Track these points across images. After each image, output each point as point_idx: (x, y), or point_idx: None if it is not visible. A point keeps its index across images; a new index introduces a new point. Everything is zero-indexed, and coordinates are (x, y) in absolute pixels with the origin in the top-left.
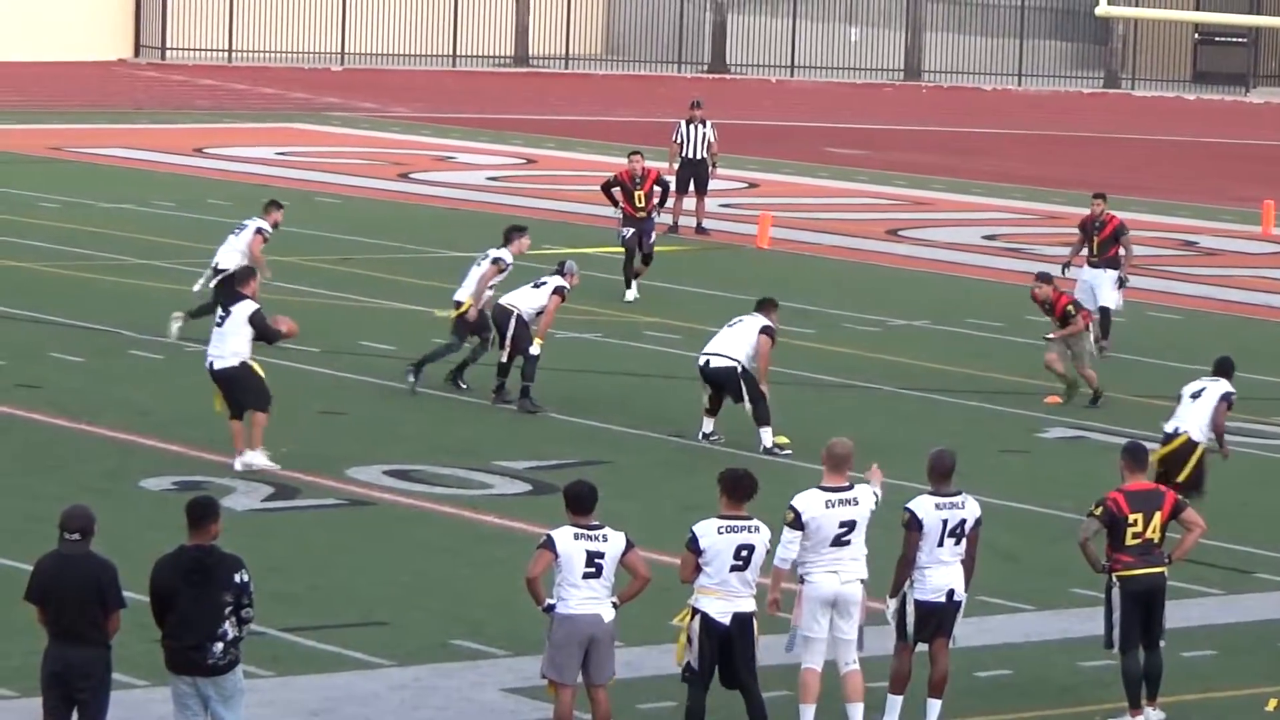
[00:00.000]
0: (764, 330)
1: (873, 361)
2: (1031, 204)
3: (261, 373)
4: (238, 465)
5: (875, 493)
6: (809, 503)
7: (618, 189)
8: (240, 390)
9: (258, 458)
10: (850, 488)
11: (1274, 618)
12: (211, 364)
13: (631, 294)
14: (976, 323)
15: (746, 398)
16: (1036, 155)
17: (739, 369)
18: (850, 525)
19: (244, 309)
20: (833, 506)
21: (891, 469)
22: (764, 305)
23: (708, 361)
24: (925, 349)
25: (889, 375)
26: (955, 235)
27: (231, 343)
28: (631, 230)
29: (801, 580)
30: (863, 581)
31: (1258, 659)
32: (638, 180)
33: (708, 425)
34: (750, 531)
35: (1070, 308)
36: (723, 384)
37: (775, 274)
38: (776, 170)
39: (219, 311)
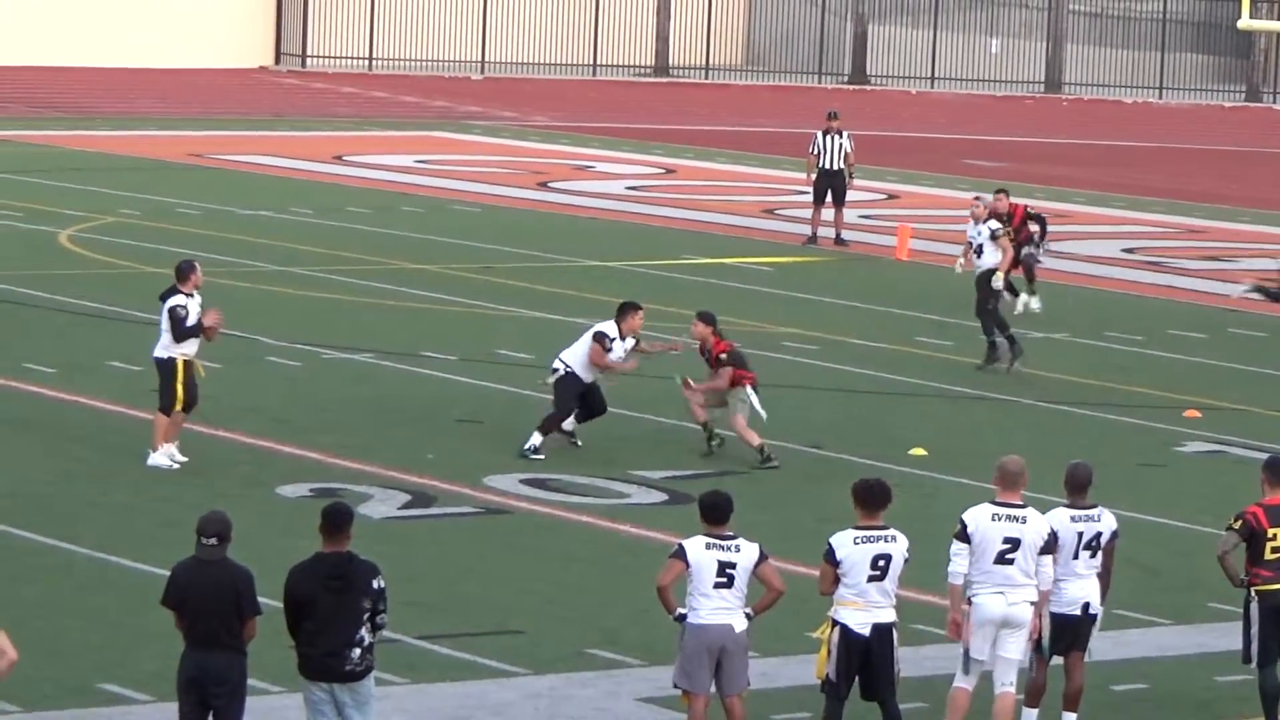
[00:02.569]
0: (595, 336)
1: (1011, 374)
2: (1171, 217)
3: (185, 374)
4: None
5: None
6: (976, 516)
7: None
8: (160, 384)
9: (159, 457)
10: (1022, 506)
11: None
12: (155, 357)
13: (1033, 302)
14: (1116, 335)
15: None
16: (1177, 169)
17: (562, 373)
18: (1014, 544)
19: (168, 303)
20: (998, 521)
21: (1031, 482)
22: (621, 310)
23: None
24: (1064, 362)
25: (1027, 388)
26: (1095, 248)
27: (163, 337)
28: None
29: (969, 601)
30: (1032, 603)
31: None
32: (1005, 219)
33: (567, 424)
34: (887, 541)
35: (724, 356)
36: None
37: (914, 286)
38: (916, 182)
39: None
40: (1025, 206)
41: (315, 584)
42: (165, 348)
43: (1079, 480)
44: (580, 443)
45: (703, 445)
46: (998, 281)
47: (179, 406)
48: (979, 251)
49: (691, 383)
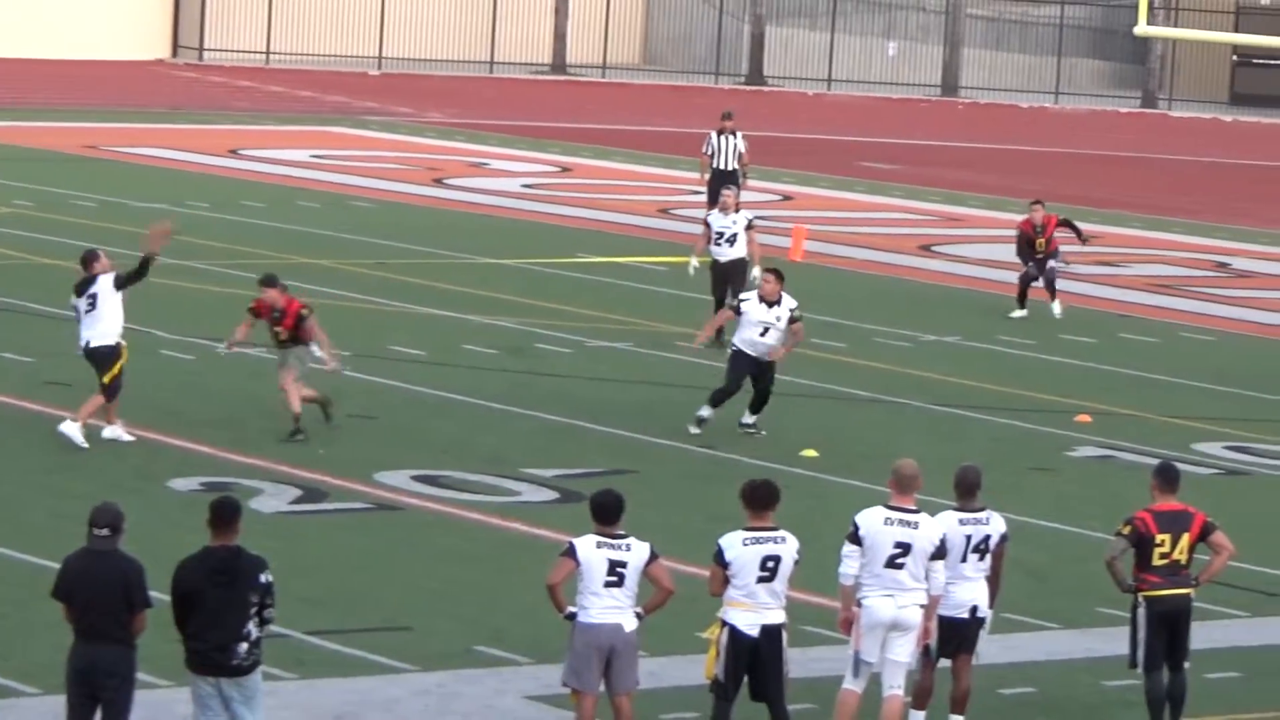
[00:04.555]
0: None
1: (903, 377)
2: None
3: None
4: (107, 434)
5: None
6: (869, 519)
7: (1025, 244)
8: (107, 369)
9: (117, 430)
10: (915, 511)
11: None
12: (89, 343)
13: (1055, 308)
14: (1008, 339)
15: None
16: (1072, 174)
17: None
18: (906, 548)
19: (108, 281)
20: (891, 525)
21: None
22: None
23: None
24: (956, 365)
25: (919, 391)
26: (989, 252)
27: (109, 322)
28: (1032, 264)
29: (858, 604)
30: (921, 607)
31: None
32: (1039, 229)
33: (746, 418)
34: (776, 542)
35: (304, 312)
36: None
37: (807, 287)
38: (811, 184)
39: (84, 301)
40: (1057, 217)
41: (202, 578)
42: (115, 334)
43: (968, 483)
44: (763, 432)
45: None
46: (755, 274)
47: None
48: (731, 241)
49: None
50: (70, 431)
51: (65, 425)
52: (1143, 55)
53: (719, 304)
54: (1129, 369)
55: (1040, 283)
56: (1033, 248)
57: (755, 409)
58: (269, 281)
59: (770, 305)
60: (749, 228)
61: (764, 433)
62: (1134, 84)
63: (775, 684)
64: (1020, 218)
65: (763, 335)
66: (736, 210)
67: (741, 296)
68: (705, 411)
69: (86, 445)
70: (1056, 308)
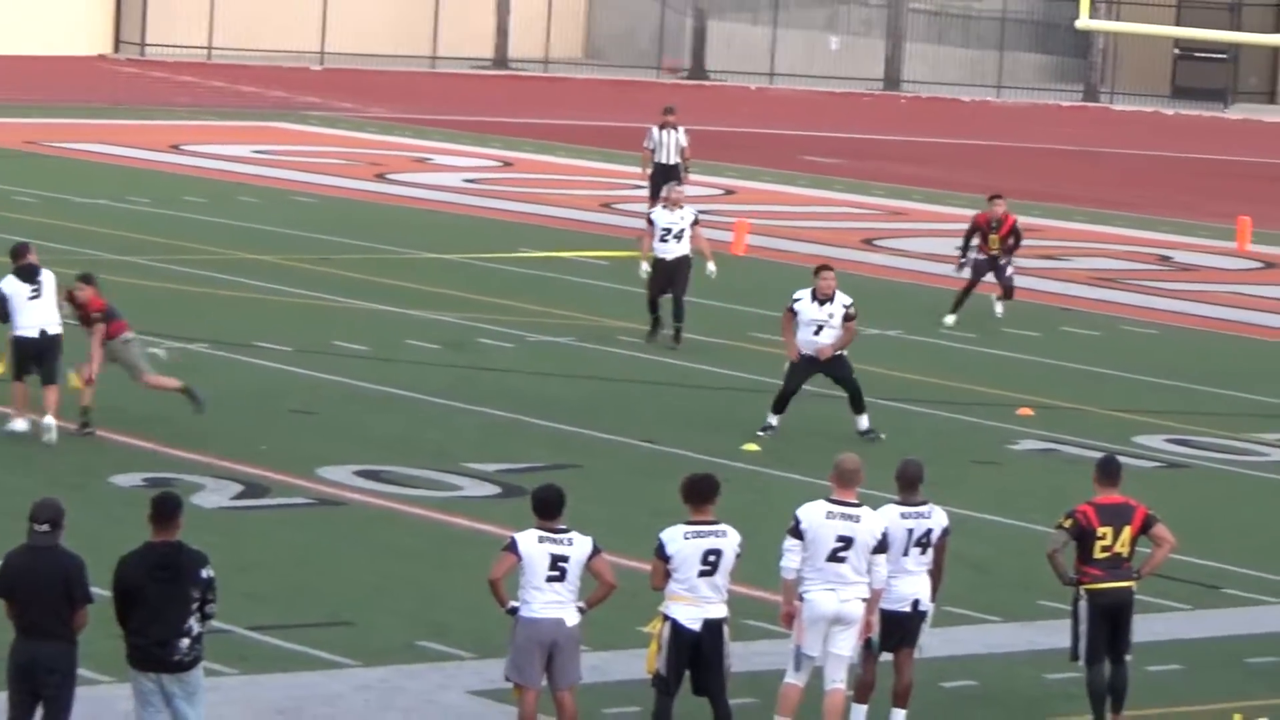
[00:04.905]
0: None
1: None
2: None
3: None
4: (21, 426)
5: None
6: (811, 513)
7: (976, 235)
8: (54, 358)
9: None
10: (857, 505)
11: (1240, 634)
12: (44, 330)
13: (998, 306)
14: (950, 333)
15: None
16: (1015, 168)
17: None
18: (848, 542)
19: (49, 273)
20: (833, 518)
21: (863, 479)
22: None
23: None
24: (898, 359)
25: (862, 385)
26: (931, 246)
27: (53, 311)
28: (969, 270)
29: (800, 598)
30: (864, 600)
31: (1223, 675)
32: (995, 224)
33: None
34: (718, 536)
35: (97, 314)
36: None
37: (750, 281)
38: (754, 178)
39: (30, 287)
40: (1015, 218)
41: (143, 573)
42: (57, 324)
43: (910, 477)
44: (882, 435)
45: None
46: (711, 268)
47: (12, 375)
48: (678, 237)
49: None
50: (41, 427)
51: (45, 420)
52: (1084, 49)
53: (654, 302)
54: (1071, 362)
55: (992, 278)
56: (984, 241)
57: (857, 409)
58: (86, 279)
59: (823, 303)
60: (695, 223)
61: (883, 435)
62: (1076, 77)
63: (717, 678)
64: (971, 212)
65: (816, 334)
66: (681, 206)
67: (795, 296)
68: (773, 420)
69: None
70: (999, 307)
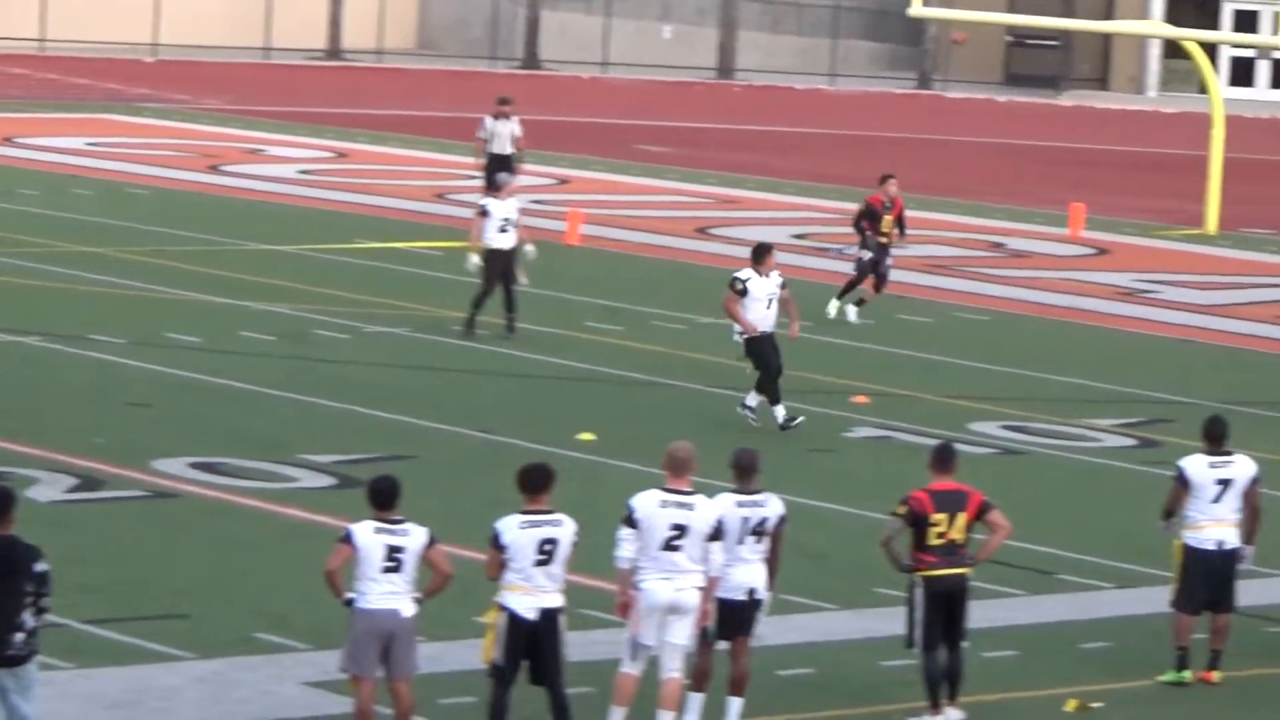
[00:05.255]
0: (728, 284)
1: (680, 359)
2: (842, 204)
3: None
4: None
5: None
6: (644, 502)
7: (866, 219)
8: None
9: None
10: (690, 493)
11: (1075, 619)
12: None
13: (837, 308)
14: (785, 322)
15: None
16: (848, 155)
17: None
18: (682, 530)
19: None
20: (666, 507)
21: (700, 468)
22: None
23: None
24: (733, 347)
25: (696, 373)
26: (764, 234)
27: None
28: (870, 254)
29: (636, 587)
30: (699, 589)
31: (1058, 660)
32: (887, 205)
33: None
34: (553, 525)
35: None
36: None
37: (584, 270)
38: (588, 167)
39: None
40: (902, 200)
41: None
42: None
43: (745, 465)
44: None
45: None
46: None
47: None
48: (515, 226)
49: None
50: None
51: None
52: (917, 37)
53: (488, 293)
54: (905, 350)
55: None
56: (877, 224)
57: (765, 390)
58: None
59: (767, 277)
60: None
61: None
62: (909, 65)
63: (553, 667)
64: (801, 200)
65: (769, 308)
66: (510, 196)
67: (741, 276)
68: (753, 400)
69: None
70: (842, 307)
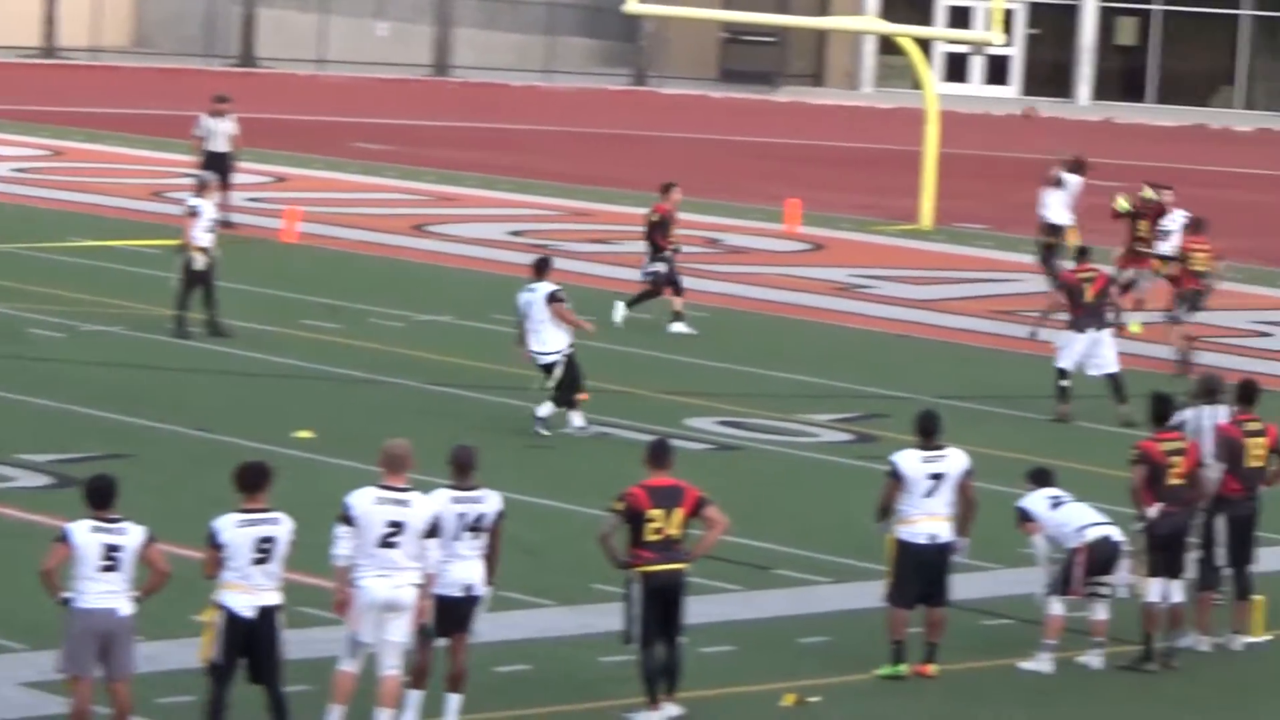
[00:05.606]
0: (551, 298)
1: (398, 357)
2: (558, 200)
3: None
4: None
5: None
6: (360, 499)
7: (659, 230)
8: None
9: None
10: (406, 489)
11: (792, 614)
12: None
13: (624, 316)
14: (501, 318)
15: None
16: (564, 152)
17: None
18: (399, 527)
19: None
20: (383, 504)
21: (417, 465)
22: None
23: None
24: (450, 344)
25: (414, 371)
26: (482, 231)
27: None
28: (663, 266)
29: (353, 584)
30: (417, 586)
31: (776, 655)
32: (675, 215)
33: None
34: (270, 524)
35: None
36: None
37: (302, 268)
38: (305, 165)
39: None
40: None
41: None
42: None
43: (461, 462)
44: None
45: None
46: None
47: None
48: (225, 225)
49: None
50: None
51: None
52: (632, 33)
53: (190, 291)
54: (621, 345)
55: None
56: (667, 234)
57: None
58: None
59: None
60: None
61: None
62: (625, 62)
63: (271, 665)
64: (519, 197)
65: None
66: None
67: (531, 287)
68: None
69: None
70: (619, 311)
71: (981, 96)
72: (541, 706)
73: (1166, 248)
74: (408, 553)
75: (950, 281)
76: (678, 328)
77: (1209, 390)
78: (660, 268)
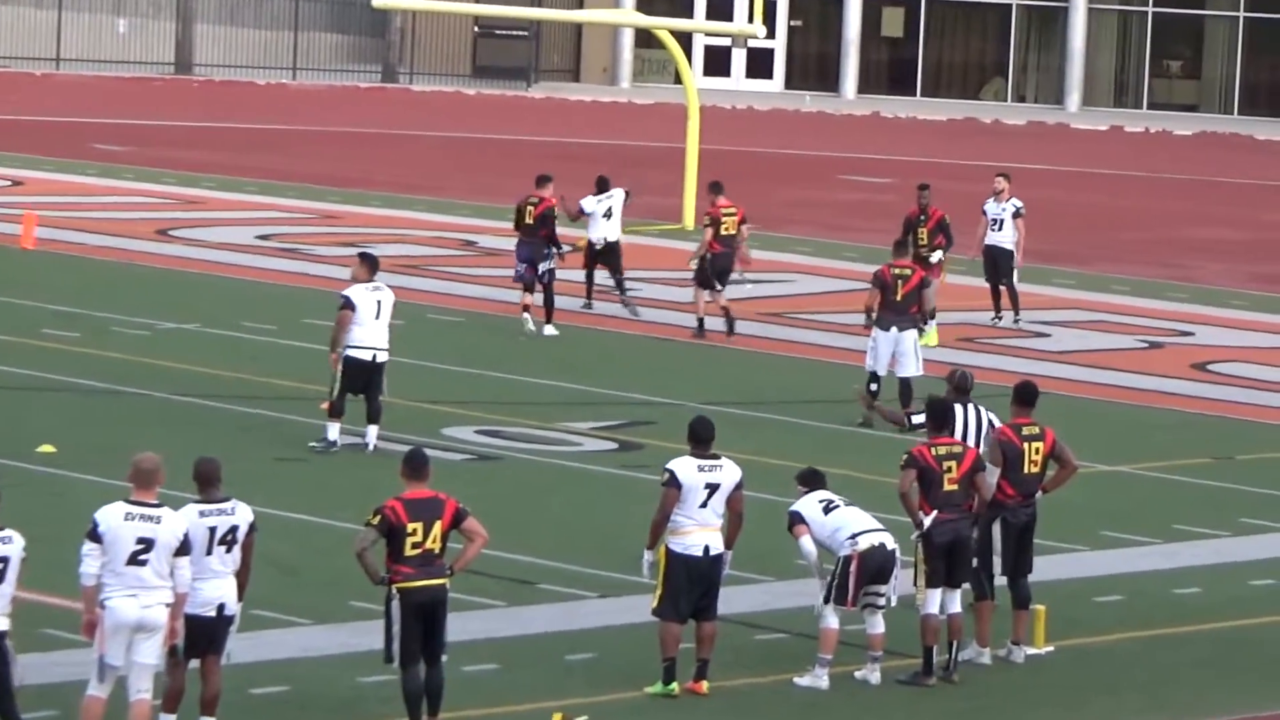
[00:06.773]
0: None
1: (143, 366)
2: (307, 202)
3: None
4: None
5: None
6: (109, 515)
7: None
8: None
9: None
10: (157, 505)
11: (558, 630)
12: None
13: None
14: (250, 325)
15: None
16: (313, 151)
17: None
18: (148, 544)
19: None
20: (132, 520)
21: (168, 479)
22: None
23: None
24: (197, 353)
25: (160, 381)
26: (228, 235)
27: None
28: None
29: (101, 605)
30: (167, 605)
31: (540, 672)
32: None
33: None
34: (2, 544)
35: None
36: None
37: (40, 275)
38: (41, 168)
39: None
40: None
41: None
42: None
43: (205, 474)
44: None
45: None
46: None
47: None
48: None
49: None
50: None
51: None
52: (382, 28)
53: None
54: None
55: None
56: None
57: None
58: None
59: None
60: None
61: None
62: (374, 58)
63: (5, 691)
64: (265, 199)
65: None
66: None
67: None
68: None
69: None
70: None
71: (743, 90)
72: None
73: None
74: (158, 571)
75: None
76: (529, 325)
77: (961, 389)
78: (548, 264)
